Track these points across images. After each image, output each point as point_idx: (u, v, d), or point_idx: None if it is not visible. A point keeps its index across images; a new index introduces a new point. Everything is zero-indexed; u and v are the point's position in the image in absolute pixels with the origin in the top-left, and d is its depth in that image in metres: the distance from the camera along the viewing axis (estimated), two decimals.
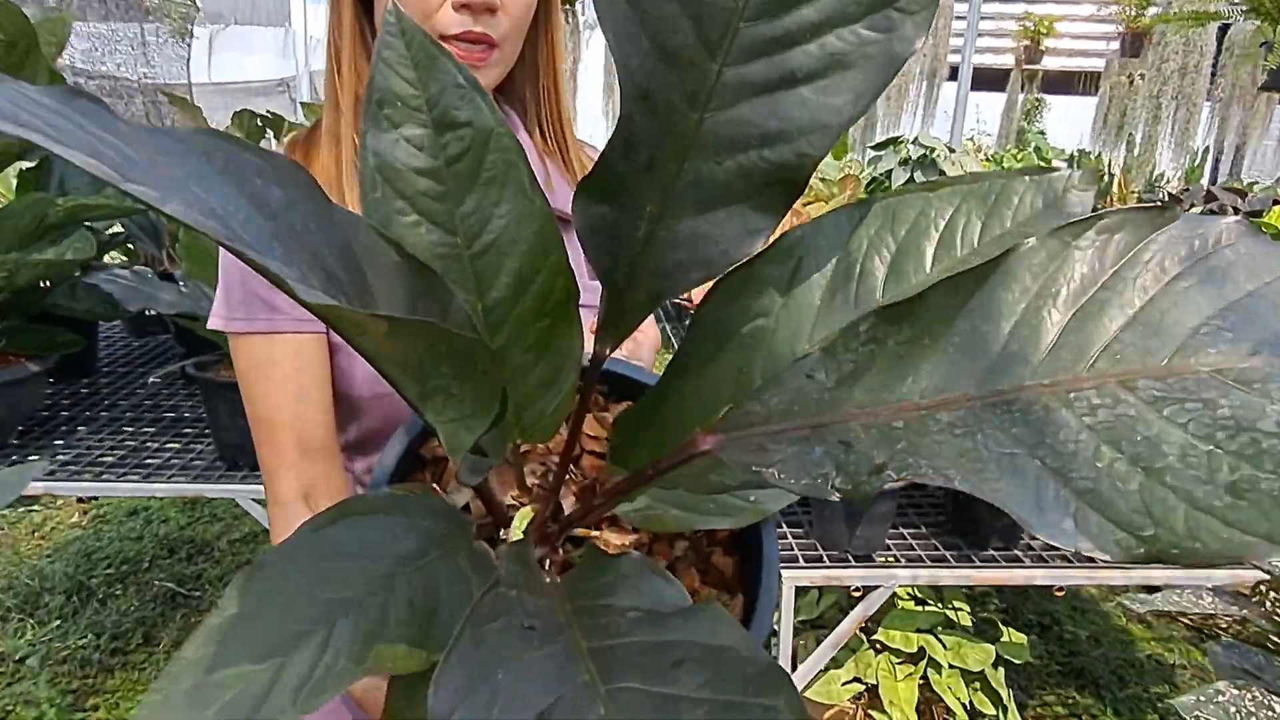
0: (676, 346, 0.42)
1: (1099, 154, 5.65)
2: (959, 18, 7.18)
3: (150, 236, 2.13)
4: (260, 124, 2.93)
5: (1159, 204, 0.29)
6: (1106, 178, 4.91)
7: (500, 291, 0.43)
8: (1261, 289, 0.28)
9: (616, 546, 0.47)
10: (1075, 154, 5.19)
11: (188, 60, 4.53)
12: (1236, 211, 3.82)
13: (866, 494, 0.30)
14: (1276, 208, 3.55)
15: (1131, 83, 6.14)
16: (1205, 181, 6.18)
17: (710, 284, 0.40)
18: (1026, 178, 0.37)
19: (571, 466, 0.53)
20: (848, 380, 0.32)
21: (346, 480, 0.75)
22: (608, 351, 0.42)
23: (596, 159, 0.37)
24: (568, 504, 0.51)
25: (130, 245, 2.24)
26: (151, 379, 1.90)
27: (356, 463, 0.80)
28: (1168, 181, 5.46)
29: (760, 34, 0.35)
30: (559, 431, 0.48)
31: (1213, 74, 5.06)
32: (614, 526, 0.50)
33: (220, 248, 0.90)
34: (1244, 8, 3.45)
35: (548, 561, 0.47)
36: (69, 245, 1.64)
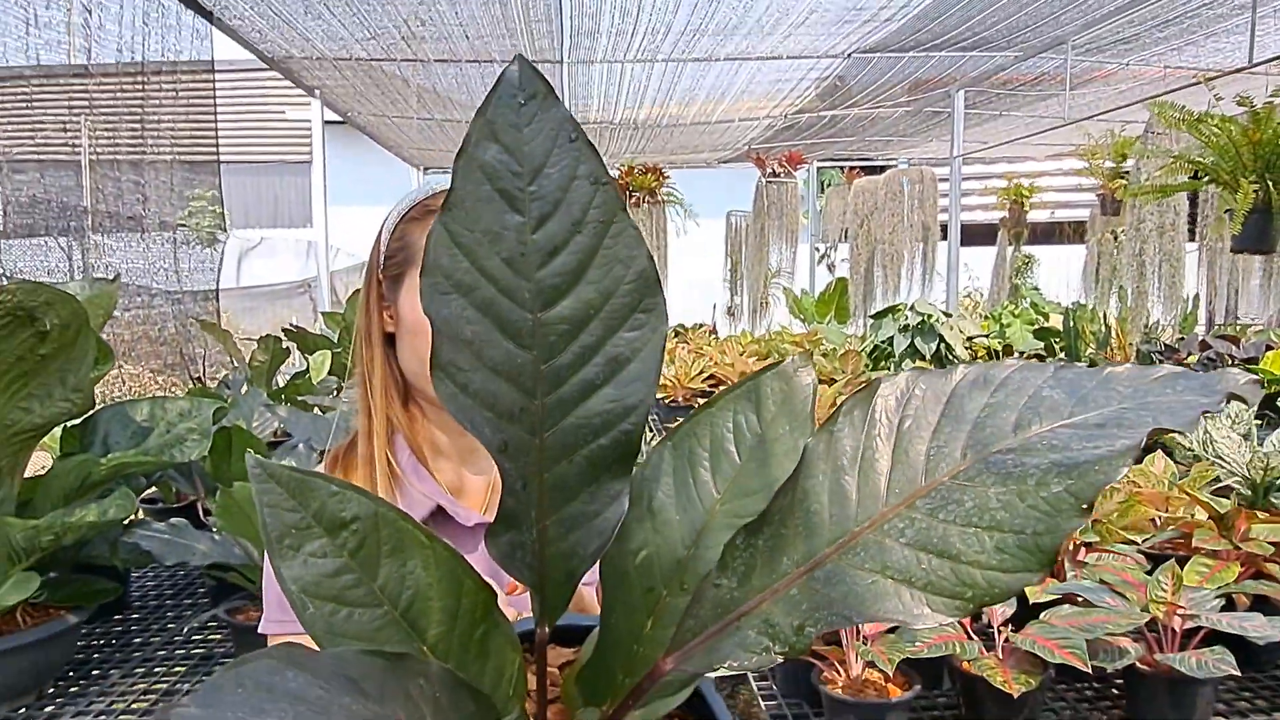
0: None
1: (1093, 306, 5.72)
2: (943, 179, 7.24)
3: (185, 477, 2.22)
4: (284, 345, 3.31)
5: (867, 381, 0.42)
6: (1103, 329, 4.96)
7: (437, 628, 0.50)
8: (947, 409, 0.44)
9: None
10: (1071, 306, 5.21)
11: (218, 268, 4.98)
12: (1232, 360, 3.79)
13: (803, 649, 0.42)
14: (1270, 353, 3.63)
15: (1116, 238, 6.27)
16: (1201, 328, 6.20)
17: None
18: (768, 373, 0.52)
19: None
20: (745, 578, 0.44)
21: None
22: (547, 630, 0.51)
23: (498, 507, 0.46)
24: None
25: (163, 483, 2.31)
26: (187, 628, 1.96)
27: None
28: (1163, 330, 5.49)
29: (554, 367, 0.47)
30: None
31: (1191, 228, 5.15)
32: None
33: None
34: (1206, 177, 3.57)
35: None
36: (111, 503, 1.68)
